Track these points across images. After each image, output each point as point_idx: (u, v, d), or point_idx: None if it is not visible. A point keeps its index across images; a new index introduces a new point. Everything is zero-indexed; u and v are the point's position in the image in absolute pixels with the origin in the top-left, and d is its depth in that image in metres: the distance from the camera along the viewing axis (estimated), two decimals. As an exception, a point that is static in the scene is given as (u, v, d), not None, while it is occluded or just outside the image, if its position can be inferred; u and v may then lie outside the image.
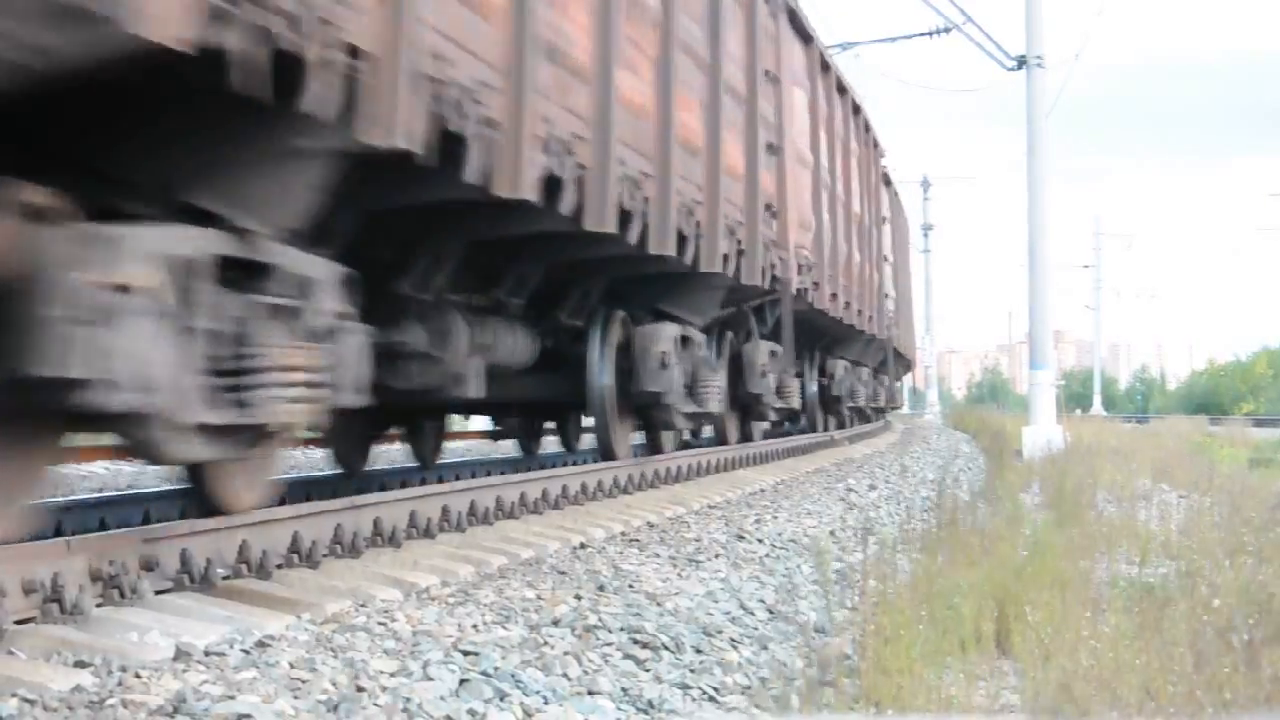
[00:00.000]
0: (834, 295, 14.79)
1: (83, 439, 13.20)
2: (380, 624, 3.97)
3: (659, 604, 4.62)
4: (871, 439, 21.26)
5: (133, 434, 4.07)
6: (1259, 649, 3.49)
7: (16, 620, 3.52)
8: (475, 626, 4.03)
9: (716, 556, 6.05)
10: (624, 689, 3.47)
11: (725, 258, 9.16)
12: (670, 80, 8.01)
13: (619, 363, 8.96)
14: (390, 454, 11.42)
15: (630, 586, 4.98)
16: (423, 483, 7.50)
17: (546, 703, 3.26)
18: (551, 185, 6.15)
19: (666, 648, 3.96)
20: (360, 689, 3.18)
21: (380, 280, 6.36)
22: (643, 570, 5.45)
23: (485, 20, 5.45)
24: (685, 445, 12.75)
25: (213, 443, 4.31)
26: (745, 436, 13.11)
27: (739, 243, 9.69)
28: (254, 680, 3.18)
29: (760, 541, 6.73)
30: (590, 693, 3.41)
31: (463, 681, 3.32)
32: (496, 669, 3.47)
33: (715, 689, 3.61)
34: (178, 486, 8.70)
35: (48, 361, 3.67)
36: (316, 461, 12.97)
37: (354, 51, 4.20)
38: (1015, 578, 4.66)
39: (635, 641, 3.98)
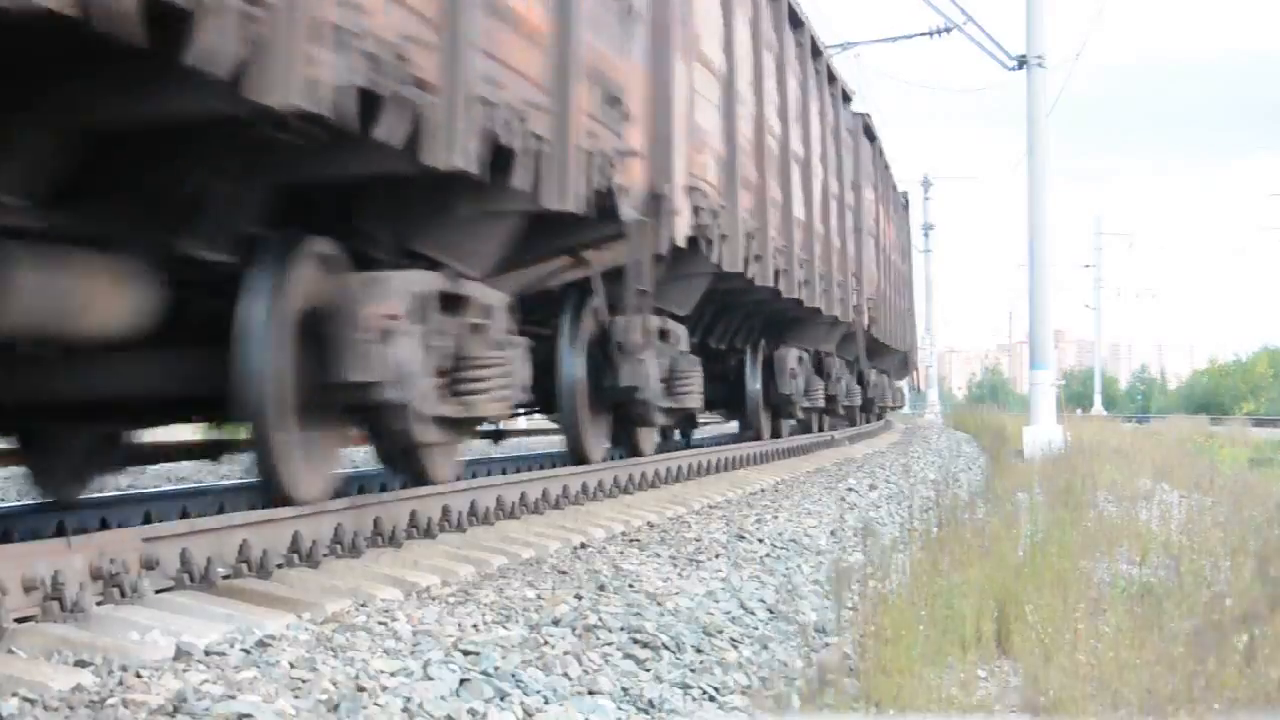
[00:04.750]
0: (759, 257, 11.19)
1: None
2: (381, 624, 3.97)
3: (659, 604, 4.62)
4: (872, 439, 21.26)
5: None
6: (1259, 649, 3.49)
7: (17, 618, 3.52)
8: (476, 626, 4.04)
9: (717, 556, 6.05)
10: (624, 689, 3.47)
11: (504, 155, 5.72)
12: None
13: (314, 332, 5.36)
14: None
15: (631, 586, 4.98)
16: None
17: (547, 702, 3.27)
18: None
19: (667, 647, 3.96)
20: (360, 689, 3.18)
21: None
22: (643, 570, 5.45)
23: None
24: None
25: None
26: (633, 450, 9.54)
27: (534, 136, 6.06)
28: (254, 680, 3.18)
29: (761, 541, 6.73)
30: (591, 692, 3.41)
31: (463, 681, 3.32)
32: (497, 668, 3.47)
33: (715, 689, 3.61)
34: (177, 487, 8.70)
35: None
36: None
37: None
38: (1015, 577, 4.66)
39: (636, 641, 3.98)
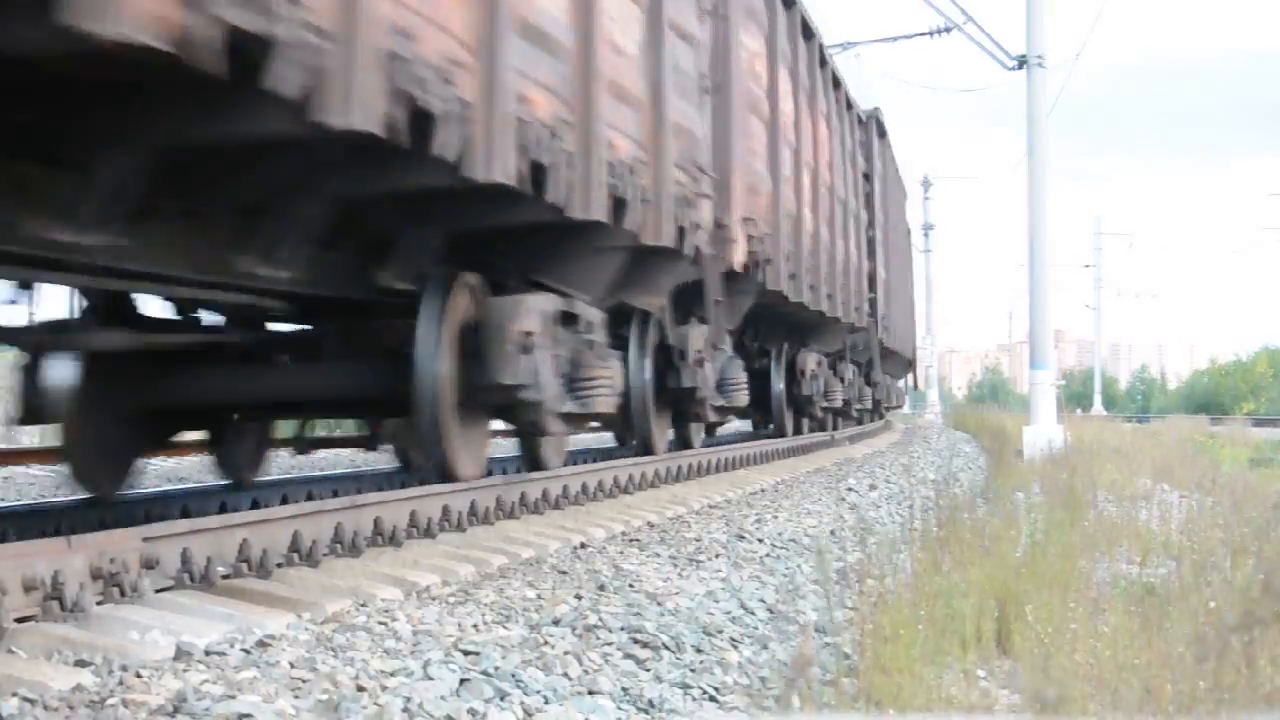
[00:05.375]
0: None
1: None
2: (381, 623, 3.97)
3: (659, 603, 4.62)
4: (872, 439, 21.25)
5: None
6: (1259, 649, 3.48)
7: (17, 618, 3.52)
8: (476, 626, 4.04)
9: (717, 556, 6.05)
10: (624, 689, 3.47)
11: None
12: None
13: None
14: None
15: (631, 586, 4.98)
16: (422, 483, 7.50)
17: (547, 702, 3.27)
18: None
19: (667, 647, 3.96)
20: (360, 688, 3.18)
21: None
22: (643, 570, 5.45)
23: None
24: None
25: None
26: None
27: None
28: (254, 679, 3.18)
29: (761, 541, 6.73)
30: (591, 692, 3.41)
31: (463, 681, 3.32)
32: (497, 668, 3.47)
33: (715, 689, 3.61)
34: (176, 486, 8.69)
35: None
36: (317, 461, 12.97)
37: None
38: (1015, 577, 4.66)
39: (636, 641, 3.98)
